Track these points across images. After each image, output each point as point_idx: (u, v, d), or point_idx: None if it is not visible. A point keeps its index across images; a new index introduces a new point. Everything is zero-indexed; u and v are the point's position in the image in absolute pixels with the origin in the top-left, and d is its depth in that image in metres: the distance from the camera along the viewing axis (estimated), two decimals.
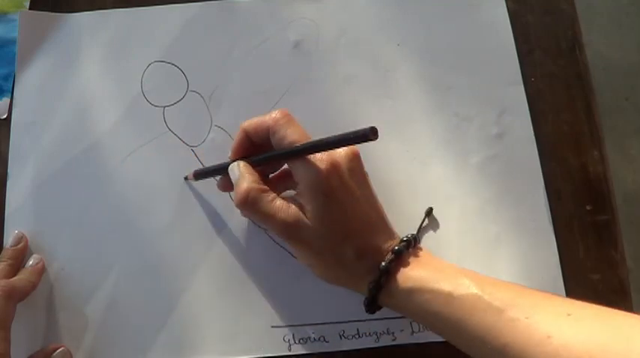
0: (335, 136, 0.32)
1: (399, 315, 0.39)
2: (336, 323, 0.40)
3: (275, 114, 0.36)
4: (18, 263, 0.40)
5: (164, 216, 0.42)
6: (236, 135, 0.38)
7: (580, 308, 0.30)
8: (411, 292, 0.33)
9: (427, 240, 0.41)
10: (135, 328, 0.40)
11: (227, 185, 0.39)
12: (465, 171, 0.43)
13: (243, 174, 0.36)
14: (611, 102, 1.09)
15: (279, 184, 0.39)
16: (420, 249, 0.36)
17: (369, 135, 0.30)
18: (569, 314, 0.30)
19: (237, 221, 0.42)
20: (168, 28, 0.46)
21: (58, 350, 0.39)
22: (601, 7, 1.14)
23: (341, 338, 0.39)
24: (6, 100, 0.45)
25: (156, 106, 0.44)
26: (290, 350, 0.39)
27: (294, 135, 0.35)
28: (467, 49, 0.45)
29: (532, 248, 0.41)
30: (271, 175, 0.40)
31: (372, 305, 0.35)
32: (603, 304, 0.36)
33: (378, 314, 0.39)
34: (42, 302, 0.40)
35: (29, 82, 0.45)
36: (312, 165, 0.34)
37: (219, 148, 0.43)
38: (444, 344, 0.39)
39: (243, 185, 0.36)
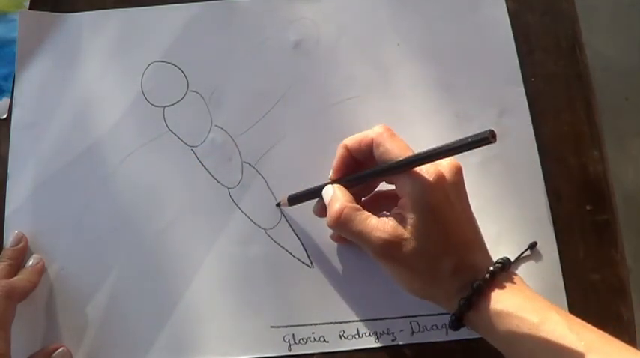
0: (451, 142, 0.31)
1: (399, 315, 0.39)
2: (336, 323, 0.40)
3: (377, 128, 0.36)
4: (18, 263, 0.40)
5: (164, 216, 0.42)
6: (337, 153, 0.38)
7: None
8: (500, 315, 0.33)
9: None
10: (135, 328, 0.40)
11: (323, 209, 0.38)
12: (465, 171, 0.43)
13: (336, 194, 0.37)
14: (611, 102, 1.08)
15: (372, 208, 0.38)
16: (514, 274, 0.36)
17: (489, 137, 0.29)
18: None
19: (238, 221, 0.42)
20: (169, 28, 0.46)
21: (58, 350, 0.38)
22: (601, 7, 1.14)
23: (341, 338, 0.39)
24: (6, 100, 0.45)
25: (156, 106, 0.44)
26: (290, 350, 0.39)
27: (397, 148, 0.35)
28: (467, 49, 0.45)
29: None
30: (363, 199, 0.39)
31: (458, 322, 0.35)
32: (603, 304, 0.36)
33: (378, 314, 0.40)
34: (42, 302, 0.40)
35: (29, 82, 0.45)
36: (419, 178, 0.34)
37: (219, 148, 0.43)
38: (444, 344, 0.39)
39: (337, 204, 0.36)
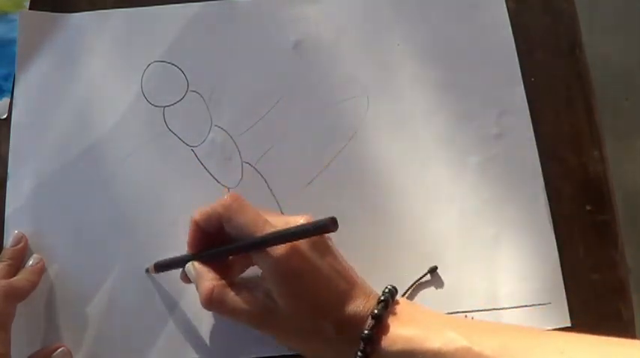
0: (293, 228, 0.32)
1: None
2: None
3: (226, 199, 0.35)
4: (18, 263, 0.40)
5: (164, 216, 0.42)
6: (189, 228, 0.37)
7: (574, 343, 0.30)
8: (401, 355, 0.32)
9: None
10: (135, 328, 0.40)
11: (187, 277, 0.38)
12: (464, 171, 0.43)
13: (200, 273, 0.36)
14: (611, 102, 1.09)
15: (239, 264, 0.38)
16: (398, 303, 0.35)
17: (329, 225, 0.29)
18: (562, 352, 0.29)
19: None
20: (169, 28, 0.46)
21: (58, 350, 0.38)
22: (601, 7, 1.14)
23: None
24: (6, 100, 0.45)
25: (156, 106, 0.44)
26: (290, 350, 0.39)
27: (247, 221, 0.34)
28: (467, 49, 0.45)
29: (532, 248, 0.41)
30: (231, 257, 0.38)
31: None
32: (603, 304, 0.36)
33: None
34: (42, 302, 0.40)
35: (29, 82, 0.45)
36: (271, 251, 0.33)
37: (219, 148, 0.43)
38: None
39: (204, 284, 0.35)
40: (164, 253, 0.41)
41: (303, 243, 0.33)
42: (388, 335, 0.32)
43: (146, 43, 0.46)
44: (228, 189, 0.43)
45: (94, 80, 0.45)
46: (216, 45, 0.46)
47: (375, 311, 0.33)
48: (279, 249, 0.33)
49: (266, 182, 0.43)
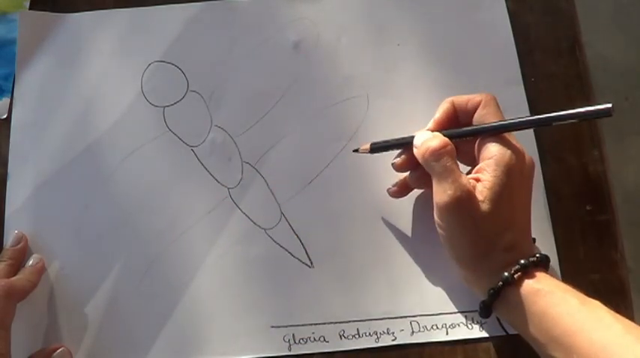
0: (568, 109, 0.35)
1: (399, 315, 0.39)
2: (336, 323, 0.40)
3: (483, 94, 0.37)
4: (18, 263, 0.40)
5: (164, 216, 0.42)
6: (440, 108, 0.39)
7: None
8: (539, 293, 0.34)
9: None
10: (135, 328, 0.40)
11: (405, 163, 0.39)
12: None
13: (436, 134, 0.37)
14: (611, 102, 1.08)
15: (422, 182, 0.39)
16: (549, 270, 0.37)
17: (609, 110, 0.32)
18: None
19: (238, 221, 0.42)
20: (169, 28, 0.46)
21: (58, 350, 0.38)
22: (601, 7, 1.14)
23: (341, 338, 0.39)
24: (6, 100, 0.45)
25: (156, 106, 0.44)
26: (290, 350, 0.39)
27: (498, 114, 0.37)
28: (467, 49, 0.45)
29: None
30: None
31: (495, 297, 0.35)
32: (603, 304, 0.36)
33: (378, 314, 0.40)
34: (42, 302, 0.40)
35: (29, 82, 0.45)
36: (511, 146, 0.36)
37: (219, 148, 0.43)
38: (444, 344, 0.39)
39: (441, 138, 0.36)
40: (164, 253, 0.41)
41: (527, 166, 0.36)
42: (538, 275, 0.34)
43: (146, 43, 0.46)
44: (229, 189, 0.43)
45: (94, 80, 0.45)
46: (216, 45, 0.46)
47: (538, 255, 0.35)
48: (518, 150, 0.36)
49: (266, 182, 0.43)
